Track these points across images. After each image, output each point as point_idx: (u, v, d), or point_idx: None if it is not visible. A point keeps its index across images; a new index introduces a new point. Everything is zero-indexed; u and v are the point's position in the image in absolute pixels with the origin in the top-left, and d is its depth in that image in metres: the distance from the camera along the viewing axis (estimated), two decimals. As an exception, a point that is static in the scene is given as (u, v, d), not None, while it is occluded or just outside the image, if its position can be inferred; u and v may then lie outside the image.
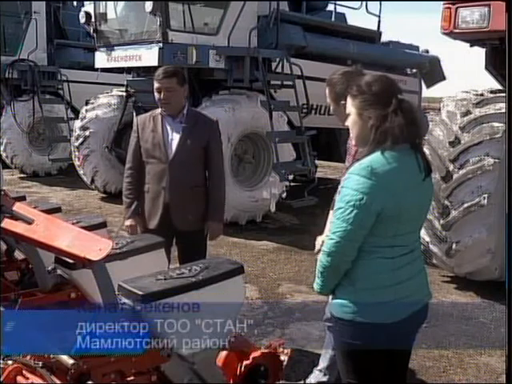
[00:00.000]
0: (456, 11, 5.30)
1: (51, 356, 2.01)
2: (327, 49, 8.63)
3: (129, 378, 2.23)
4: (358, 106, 2.19)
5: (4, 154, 11.60)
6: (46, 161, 11.33)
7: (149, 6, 7.02)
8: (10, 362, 2.00)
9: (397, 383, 2.39)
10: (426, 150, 2.29)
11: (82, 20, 8.35)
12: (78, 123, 9.48)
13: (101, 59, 8.43)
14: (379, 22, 9.68)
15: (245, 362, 2.53)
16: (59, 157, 11.52)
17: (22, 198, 3.54)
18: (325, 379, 3.38)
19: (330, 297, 3.29)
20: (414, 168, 2.16)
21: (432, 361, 3.89)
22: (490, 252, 4.95)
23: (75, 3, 13.40)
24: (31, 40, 11.32)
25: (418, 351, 3.86)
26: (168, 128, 3.58)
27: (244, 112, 7.43)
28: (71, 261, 2.51)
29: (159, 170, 3.56)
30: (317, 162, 9.41)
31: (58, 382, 1.95)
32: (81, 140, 9.19)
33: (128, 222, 3.62)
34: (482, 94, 5.40)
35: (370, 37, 9.56)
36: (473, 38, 5.61)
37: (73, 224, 2.65)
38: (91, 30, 8.46)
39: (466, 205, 4.91)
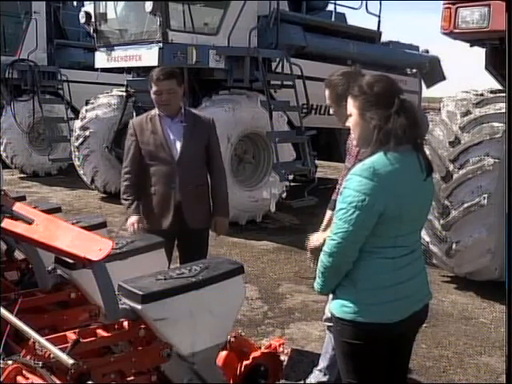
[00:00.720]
0: (456, 11, 5.30)
1: (51, 356, 2.01)
2: (327, 49, 8.63)
3: (129, 378, 2.23)
4: (360, 107, 2.18)
5: (4, 154, 11.61)
6: (46, 161, 11.34)
7: (149, 5, 7.02)
8: (9, 362, 2.00)
9: (397, 383, 2.39)
10: (426, 150, 2.28)
11: (82, 20, 8.35)
12: (78, 123, 9.49)
13: (101, 59, 8.44)
14: (379, 21, 9.69)
15: (245, 362, 2.53)
16: (59, 157, 11.52)
17: (22, 198, 3.54)
18: (325, 379, 3.38)
19: (330, 297, 3.31)
20: (415, 168, 2.16)
21: (432, 361, 3.89)
22: (490, 252, 4.96)
23: (75, 3, 13.43)
24: (31, 40, 11.33)
25: (418, 351, 3.86)
26: (168, 129, 3.58)
27: (244, 112, 7.43)
28: (71, 261, 2.51)
29: (166, 171, 3.55)
30: (317, 162, 9.42)
31: (58, 382, 1.95)
32: (81, 140, 9.20)
33: (133, 219, 3.57)
34: (482, 94, 5.40)
35: (370, 37, 9.57)
36: (473, 38, 5.61)
37: (73, 224, 2.64)
38: (91, 30, 8.46)
39: (466, 205, 4.91)
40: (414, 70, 10.32)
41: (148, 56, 7.42)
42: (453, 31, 5.38)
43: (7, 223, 2.48)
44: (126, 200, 3.64)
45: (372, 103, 2.15)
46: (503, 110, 4.61)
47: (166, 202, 3.56)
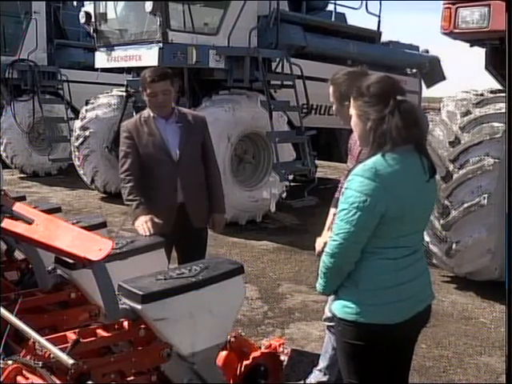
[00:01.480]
0: (456, 11, 5.30)
1: (51, 356, 2.01)
2: (327, 49, 8.63)
3: (129, 378, 2.23)
4: (358, 108, 2.20)
5: (4, 154, 11.61)
6: (46, 161, 11.34)
7: (149, 5, 7.02)
8: (9, 362, 2.00)
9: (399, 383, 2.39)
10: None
11: (82, 20, 8.35)
12: (78, 123, 9.49)
13: (101, 59, 8.44)
14: (379, 21, 9.69)
15: (245, 362, 2.54)
16: (59, 157, 11.52)
17: (22, 198, 3.54)
18: (325, 379, 3.38)
19: (331, 297, 3.31)
20: (418, 169, 2.16)
21: (432, 361, 3.89)
22: (490, 252, 4.95)
23: (75, 3, 13.43)
24: (31, 40, 11.33)
25: (418, 351, 3.86)
26: (165, 130, 3.55)
27: (244, 112, 7.43)
28: (71, 261, 2.51)
29: (167, 173, 3.51)
30: (317, 162, 9.42)
31: (58, 382, 1.95)
32: (81, 140, 9.20)
33: (144, 219, 3.28)
34: (482, 94, 5.40)
35: (370, 37, 9.57)
36: (473, 38, 5.60)
37: (73, 224, 2.64)
38: (91, 30, 8.46)
39: (466, 205, 4.91)
40: (414, 70, 10.32)
41: (148, 56, 7.41)
42: (453, 31, 5.38)
43: (7, 223, 2.48)
44: (132, 201, 3.46)
45: (369, 104, 2.15)
46: (503, 110, 4.61)
47: (169, 204, 3.53)
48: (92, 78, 11.01)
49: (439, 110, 5.55)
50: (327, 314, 3.34)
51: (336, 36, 8.92)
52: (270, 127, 7.27)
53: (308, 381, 3.43)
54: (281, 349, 2.70)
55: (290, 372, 3.49)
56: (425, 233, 5.15)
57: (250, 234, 7.23)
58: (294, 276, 5.68)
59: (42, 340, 2.05)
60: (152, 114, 3.55)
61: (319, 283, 2.26)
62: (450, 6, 5.35)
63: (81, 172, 9.52)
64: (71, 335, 2.24)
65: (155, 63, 7.06)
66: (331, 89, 2.95)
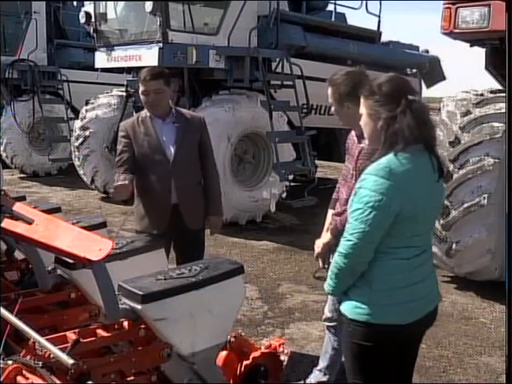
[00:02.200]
0: (456, 11, 5.30)
1: (51, 356, 2.01)
2: (327, 49, 8.63)
3: (129, 378, 2.23)
4: (369, 107, 2.19)
5: (4, 154, 11.61)
6: (46, 161, 11.34)
7: (149, 5, 7.02)
8: (9, 362, 2.00)
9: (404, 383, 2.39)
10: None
11: (82, 20, 8.35)
12: (77, 123, 9.49)
13: (101, 59, 8.44)
14: (379, 21, 9.69)
15: (245, 362, 2.54)
16: (59, 157, 11.52)
17: (22, 198, 3.54)
18: (325, 379, 3.38)
19: (330, 297, 3.31)
20: (428, 169, 2.16)
21: (432, 361, 3.89)
22: (490, 252, 4.95)
23: (75, 3, 13.43)
24: (31, 40, 11.33)
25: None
26: (161, 130, 3.54)
27: (244, 112, 7.43)
28: (71, 261, 2.51)
29: (162, 174, 3.50)
30: (317, 162, 9.42)
31: (58, 382, 1.95)
32: (81, 140, 9.20)
33: (121, 180, 3.32)
34: (482, 94, 5.40)
35: (370, 37, 9.57)
36: (473, 38, 5.60)
37: (73, 224, 2.65)
38: (91, 30, 8.46)
39: (466, 205, 4.91)
40: (414, 70, 10.32)
41: (148, 56, 7.41)
42: (453, 31, 5.37)
43: (7, 223, 2.48)
44: (119, 167, 3.46)
45: (380, 103, 2.14)
46: (503, 110, 4.61)
47: (163, 205, 3.52)
48: (92, 77, 11.01)
49: (439, 110, 5.55)
50: (327, 314, 3.34)
51: (336, 36, 8.92)
52: (270, 127, 7.27)
53: (308, 381, 3.43)
54: (281, 349, 2.70)
55: (290, 372, 3.49)
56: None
57: (249, 233, 7.23)
58: (294, 276, 5.68)
59: (42, 340, 2.05)
60: (149, 114, 3.55)
61: (329, 284, 2.24)
62: (450, 5, 5.35)
63: (81, 172, 9.52)
64: (71, 335, 2.24)
65: (155, 63, 7.05)
66: (330, 90, 2.94)
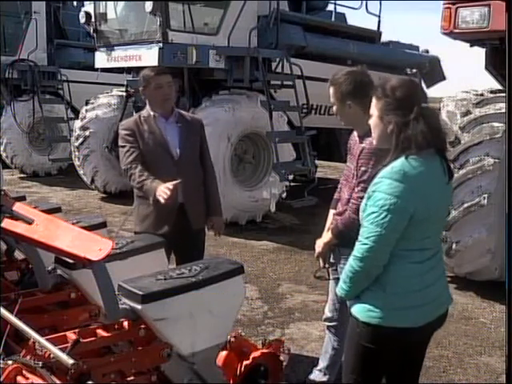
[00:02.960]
0: (456, 11, 5.30)
1: (51, 356, 2.01)
2: (327, 49, 8.63)
3: (129, 378, 2.23)
4: (381, 109, 2.19)
5: (4, 154, 11.61)
6: (46, 161, 11.34)
7: (149, 5, 7.02)
8: (9, 362, 2.00)
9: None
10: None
11: (82, 20, 8.35)
12: (78, 123, 9.49)
13: (101, 59, 8.44)
14: (379, 21, 9.69)
15: (245, 362, 2.53)
16: (59, 157, 11.52)
17: (22, 198, 3.54)
18: (325, 379, 3.38)
19: (330, 297, 3.32)
20: (439, 172, 2.17)
21: (432, 361, 3.89)
22: (490, 252, 4.95)
23: (75, 3, 13.43)
24: (31, 40, 11.32)
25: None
26: (165, 129, 3.54)
27: (244, 112, 7.43)
28: (71, 261, 2.51)
29: (167, 173, 3.45)
30: (317, 162, 9.42)
31: (58, 382, 1.95)
32: (81, 140, 9.20)
33: (168, 184, 3.16)
34: (482, 94, 5.40)
35: (370, 37, 9.57)
36: (473, 38, 5.60)
37: (73, 224, 2.64)
38: (91, 30, 8.46)
39: (466, 205, 4.91)
40: (414, 70, 10.31)
41: (148, 56, 7.41)
42: (453, 31, 5.37)
43: (7, 223, 2.48)
44: (146, 179, 3.32)
45: (392, 107, 2.14)
46: (503, 110, 4.60)
47: (170, 203, 3.52)
48: (92, 77, 11.01)
49: (439, 110, 5.55)
50: (327, 313, 3.34)
51: (336, 36, 8.91)
52: (270, 127, 7.27)
53: (308, 381, 3.43)
54: (281, 349, 2.70)
55: (289, 372, 3.49)
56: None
57: (250, 233, 7.23)
58: (294, 276, 5.68)
59: (42, 340, 2.05)
60: (152, 113, 3.54)
61: (342, 288, 2.23)
62: (450, 5, 5.35)
63: (81, 172, 9.52)
64: (71, 335, 2.24)
65: (155, 63, 7.05)
66: (332, 90, 2.94)
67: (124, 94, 8.78)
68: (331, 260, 3.06)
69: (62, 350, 2.02)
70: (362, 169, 2.79)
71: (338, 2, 9.60)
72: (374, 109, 2.22)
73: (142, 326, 2.28)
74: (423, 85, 10.44)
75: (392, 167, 2.09)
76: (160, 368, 2.31)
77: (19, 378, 1.98)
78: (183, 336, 2.29)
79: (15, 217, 2.49)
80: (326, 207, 3.27)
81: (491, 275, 5.08)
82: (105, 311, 2.35)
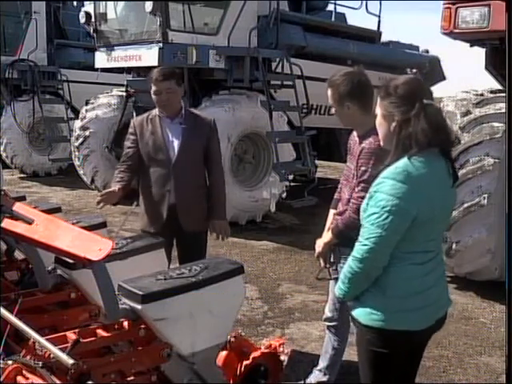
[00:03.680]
0: (456, 11, 5.30)
1: (51, 356, 2.01)
2: (327, 49, 8.63)
3: (129, 378, 2.23)
4: (384, 108, 2.17)
5: (4, 154, 11.60)
6: (46, 161, 11.34)
7: (149, 5, 7.02)
8: (9, 362, 2.00)
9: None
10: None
11: (82, 20, 8.35)
12: (78, 123, 9.48)
13: (101, 59, 8.44)
14: (379, 21, 9.69)
15: (245, 362, 2.54)
16: (59, 157, 11.52)
17: (22, 198, 3.54)
18: (325, 379, 3.38)
19: (330, 297, 3.32)
20: (443, 173, 2.14)
21: (432, 361, 3.89)
22: (490, 252, 4.95)
23: (75, 3, 13.42)
24: (31, 40, 11.32)
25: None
26: (168, 130, 3.56)
27: (244, 112, 7.43)
28: (71, 261, 2.51)
29: (163, 173, 3.52)
30: (317, 162, 9.42)
31: (58, 382, 1.95)
32: (81, 140, 9.19)
33: (112, 185, 3.50)
34: (482, 94, 5.40)
35: (370, 37, 9.57)
36: (473, 38, 5.60)
37: (73, 224, 2.65)
38: (91, 30, 8.46)
39: (466, 205, 4.91)
40: (414, 70, 10.31)
41: (148, 56, 7.42)
42: (453, 31, 5.37)
43: (7, 223, 2.48)
44: (114, 180, 3.56)
45: (395, 105, 2.12)
46: (503, 110, 4.60)
47: (160, 204, 3.54)
48: (92, 77, 11.01)
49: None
50: (327, 313, 3.34)
51: (336, 36, 8.91)
52: (270, 127, 7.27)
53: (308, 381, 3.43)
54: (281, 349, 2.70)
55: (290, 372, 3.49)
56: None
57: (250, 233, 7.23)
58: (294, 276, 5.68)
59: (42, 340, 2.05)
60: (158, 114, 3.58)
61: (341, 289, 2.21)
62: (450, 5, 5.35)
63: (81, 172, 9.51)
64: (71, 335, 2.24)
65: (155, 63, 7.06)
66: (330, 91, 2.94)
67: (124, 94, 8.77)
68: (331, 260, 3.07)
69: (62, 349, 2.02)
70: (362, 169, 2.80)
71: (338, 2, 9.61)
72: (378, 108, 2.21)
73: (142, 326, 2.28)
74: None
75: (395, 167, 2.06)
76: (160, 368, 2.31)
77: (19, 378, 1.98)
78: (183, 336, 2.29)
79: (15, 217, 2.49)
80: (326, 207, 3.27)
81: (491, 275, 5.08)
82: (105, 311, 2.35)
